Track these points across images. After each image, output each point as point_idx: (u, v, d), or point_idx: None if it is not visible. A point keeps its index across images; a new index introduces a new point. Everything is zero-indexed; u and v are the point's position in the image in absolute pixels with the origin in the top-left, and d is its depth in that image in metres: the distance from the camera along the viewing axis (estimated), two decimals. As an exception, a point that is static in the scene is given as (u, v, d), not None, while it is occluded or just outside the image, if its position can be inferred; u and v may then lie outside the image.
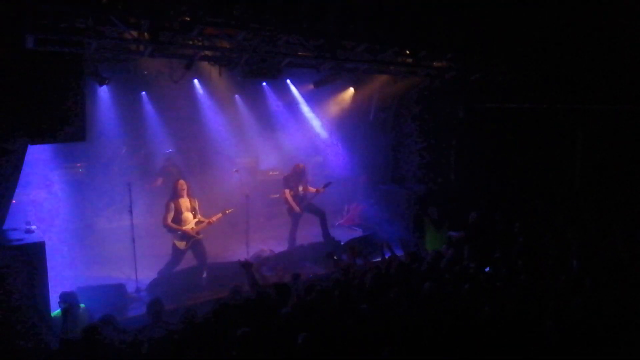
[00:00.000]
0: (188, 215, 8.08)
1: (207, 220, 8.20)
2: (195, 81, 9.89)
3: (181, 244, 8.04)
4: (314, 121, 11.67)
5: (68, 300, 5.83)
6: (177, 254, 8.09)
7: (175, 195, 8.05)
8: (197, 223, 8.13)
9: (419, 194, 10.42)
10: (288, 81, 10.78)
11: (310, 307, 5.33)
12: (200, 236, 8.19)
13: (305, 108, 11.46)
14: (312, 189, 9.73)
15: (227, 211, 8.41)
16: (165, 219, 7.95)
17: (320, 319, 4.99)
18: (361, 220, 11.82)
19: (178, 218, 8.01)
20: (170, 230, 8.01)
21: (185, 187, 8.07)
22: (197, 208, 8.20)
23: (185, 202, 8.08)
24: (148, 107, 9.87)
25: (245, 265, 6.44)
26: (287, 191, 9.50)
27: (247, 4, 6.14)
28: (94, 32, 5.86)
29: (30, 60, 5.73)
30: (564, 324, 4.87)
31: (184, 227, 8.00)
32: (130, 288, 7.74)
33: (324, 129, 11.79)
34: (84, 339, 4.50)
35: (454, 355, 4.57)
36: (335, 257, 7.40)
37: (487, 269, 6.97)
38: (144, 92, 9.74)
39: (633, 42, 8.24)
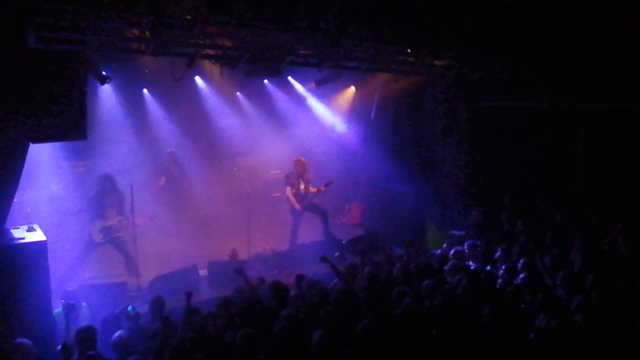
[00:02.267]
0: (112, 211, 8.08)
1: (131, 221, 8.14)
2: (197, 78, 9.87)
3: (98, 237, 8.02)
4: (316, 119, 11.66)
5: (70, 299, 5.85)
6: (89, 244, 8.04)
7: (103, 190, 8.09)
8: (120, 221, 8.13)
9: (419, 193, 10.41)
10: (290, 78, 10.75)
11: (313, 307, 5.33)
12: (120, 234, 8.19)
13: (307, 106, 11.45)
14: (313, 189, 9.71)
15: (152, 218, 8.42)
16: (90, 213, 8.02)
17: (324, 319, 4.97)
18: (362, 219, 11.82)
19: (102, 210, 8.03)
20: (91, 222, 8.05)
21: (108, 183, 8.10)
22: (122, 204, 8.15)
23: (110, 198, 8.08)
24: (149, 106, 9.88)
25: (239, 271, 6.32)
26: (288, 189, 9.48)
27: (248, 3, 6.14)
28: (95, 31, 5.86)
29: (31, 59, 5.72)
30: (565, 323, 4.87)
31: (106, 223, 8.01)
32: (132, 287, 7.74)
33: (325, 127, 11.79)
34: None
35: (456, 354, 4.57)
36: (334, 257, 7.35)
37: (488, 268, 6.97)
38: (145, 91, 9.74)
39: (634, 40, 8.22)
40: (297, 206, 9.45)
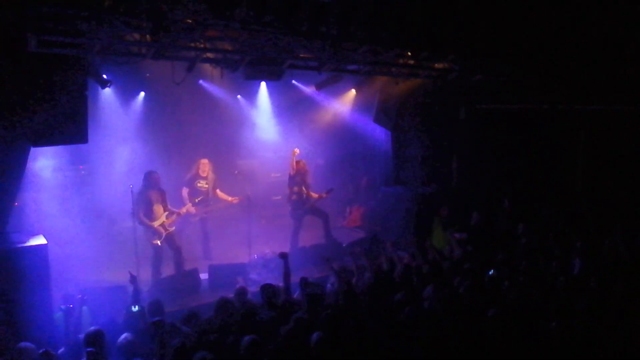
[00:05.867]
0: (158, 208, 7.99)
1: (176, 212, 8.15)
2: (200, 82, 9.87)
3: (155, 241, 7.97)
4: (317, 122, 11.66)
5: (70, 303, 5.85)
6: (157, 250, 8.04)
7: (147, 187, 7.97)
8: (167, 216, 8.06)
9: (420, 196, 10.40)
10: (294, 81, 10.76)
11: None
12: (172, 229, 8.14)
13: (308, 108, 11.45)
14: (314, 195, 9.72)
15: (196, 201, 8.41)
16: (138, 213, 7.88)
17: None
18: (363, 222, 11.81)
19: (149, 211, 7.92)
20: (143, 225, 7.95)
21: (159, 178, 8.03)
22: (166, 200, 8.13)
23: (155, 194, 8.02)
24: (150, 109, 9.86)
25: (283, 256, 6.49)
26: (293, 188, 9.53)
27: (248, 6, 6.15)
28: (96, 35, 5.87)
29: (32, 63, 5.73)
30: (567, 325, 4.86)
31: (155, 223, 7.95)
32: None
33: (326, 130, 11.78)
34: None
35: (459, 356, 4.57)
36: (330, 262, 7.33)
37: (491, 272, 6.94)
38: (145, 94, 9.74)
39: (634, 42, 8.24)
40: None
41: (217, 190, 9.21)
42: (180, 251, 8.22)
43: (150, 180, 8.01)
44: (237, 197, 9.22)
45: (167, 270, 8.23)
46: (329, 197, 9.96)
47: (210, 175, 9.09)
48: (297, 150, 9.44)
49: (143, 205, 7.93)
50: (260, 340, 4.46)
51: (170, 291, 7.47)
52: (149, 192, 8.00)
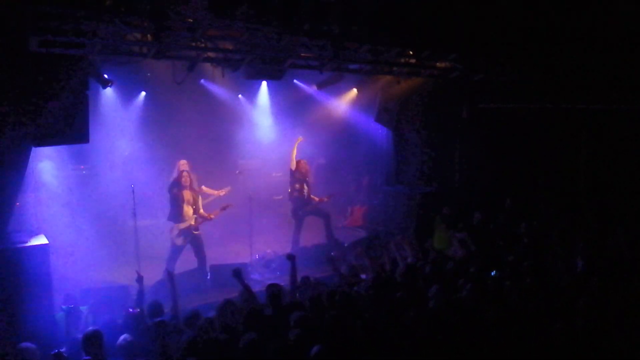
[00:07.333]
0: (188, 209, 7.97)
1: (206, 216, 8.12)
2: (201, 81, 9.87)
3: (178, 240, 7.96)
4: (318, 122, 11.64)
5: (71, 303, 5.85)
6: (175, 249, 8.01)
7: (178, 187, 7.97)
8: (196, 219, 8.04)
9: (422, 195, 10.39)
10: (295, 81, 10.75)
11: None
12: (198, 232, 8.10)
13: (309, 108, 11.43)
14: (315, 198, 9.71)
15: (225, 207, 8.27)
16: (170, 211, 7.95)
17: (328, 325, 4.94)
18: (365, 222, 11.79)
19: (178, 211, 7.92)
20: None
21: (188, 179, 7.97)
22: (199, 203, 8.11)
23: (187, 195, 7.98)
24: (151, 109, 9.85)
25: (290, 257, 6.45)
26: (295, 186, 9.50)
27: (249, 5, 6.14)
28: (97, 34, 5.86)
29: (33, 63, 5.73)
30: (570, 325, 4.85)
31: (181, 225, 7.92)
32: (134, 290, 7.71)
33: (328, 130, 11.77)
34: None
35: (461, 357, 4.55)
36: (334, 260, 7.32)
37: (493, 273, 6.91)
38: (146, 94, 9.74)
39: (636, 42, 8.22)
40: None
41: (203, 187, 8.61)
42: (204, 257, 8.16)
43: (181, 180, 7.96)
44: (225, 189, 8.72)
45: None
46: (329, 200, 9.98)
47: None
48: (301, 138, 9.42)
49: (172, 205, 7.95)
50: (261, 338, 4.44)
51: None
52: (181, 192, 7.96)
